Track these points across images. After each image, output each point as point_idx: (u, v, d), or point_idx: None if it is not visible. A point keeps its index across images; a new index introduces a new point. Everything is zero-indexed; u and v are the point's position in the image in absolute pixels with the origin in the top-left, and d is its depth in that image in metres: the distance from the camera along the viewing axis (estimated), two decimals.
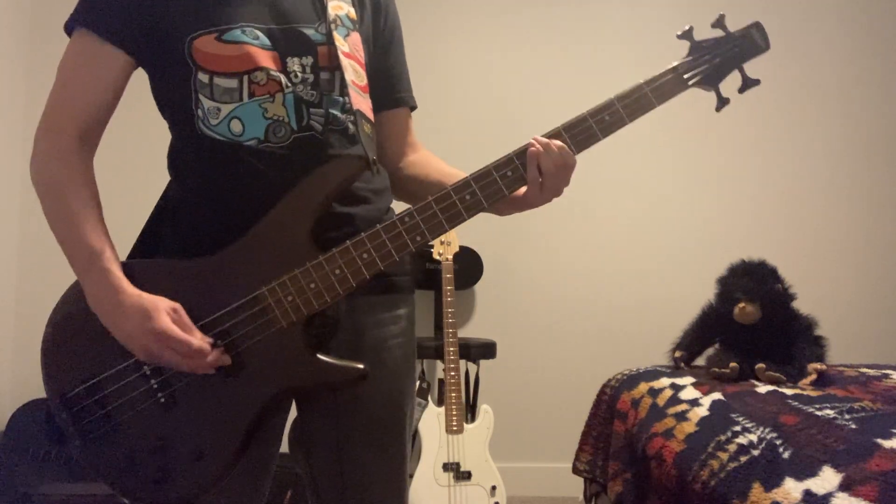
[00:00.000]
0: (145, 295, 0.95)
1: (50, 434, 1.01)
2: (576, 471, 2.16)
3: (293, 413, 1.14)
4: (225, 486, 1.01)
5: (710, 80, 1.06)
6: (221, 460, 0.98)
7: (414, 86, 1.24)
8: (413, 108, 1.24)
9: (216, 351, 0.95)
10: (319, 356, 0.99)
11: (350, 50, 1.08)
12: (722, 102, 1.08)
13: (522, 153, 1.01)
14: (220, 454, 0.98)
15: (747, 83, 1.07)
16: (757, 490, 1.17)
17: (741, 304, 1.91)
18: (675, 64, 1.05)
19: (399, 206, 1.06)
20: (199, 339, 0.94)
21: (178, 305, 0.96)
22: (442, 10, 3.28)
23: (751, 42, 1.06)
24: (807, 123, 3.27)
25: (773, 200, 3.25)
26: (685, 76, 1.05)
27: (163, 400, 0.98)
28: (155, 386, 0.98)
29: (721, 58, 1.06)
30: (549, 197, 1.04)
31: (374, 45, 1.16)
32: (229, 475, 0.99)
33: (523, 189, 1.03)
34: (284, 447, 1.15)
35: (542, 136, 1.02)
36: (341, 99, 1.06)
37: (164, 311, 0.93)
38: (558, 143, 1.01)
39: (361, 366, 0.99)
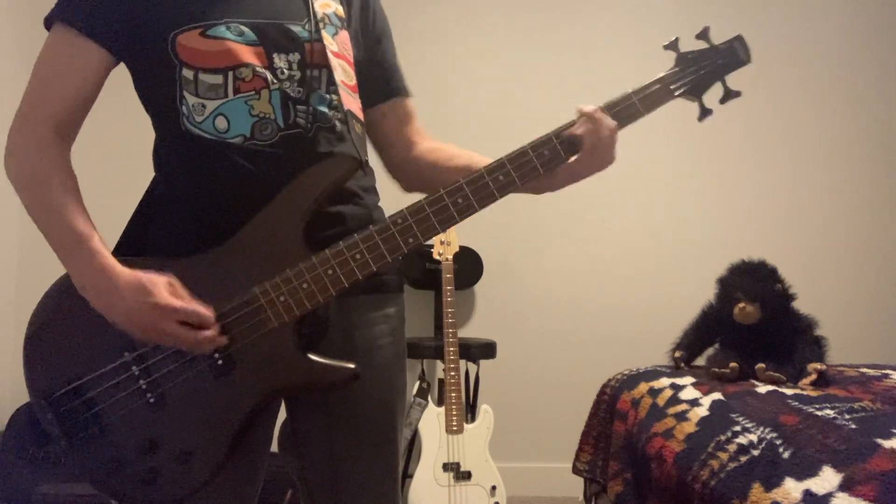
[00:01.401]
0: (139, 271, 0.93)
1: (35, 435, 1.00)
2: (576, 471, 2.16)
3: (282, 414, 1.13)
4: (214, 486, 1.00)
5: (694, 91, 1.07)
6: (210, 461, 0.97)
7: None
8: (409, 95, 1.22)
9: (216, 326, 0.94)
10: (311, 356, 0.98)
11: (339, 49, 1.07)
12: (704, 113, 1.09)
13: (515, 158, 1.01)
14: (208, 455, 0.97)
15: (729, 94, 1.09)
16: (757, 490, 1.17)
17: (741, 304, 1.91)
18: (661, 74, 1.07)
19: (406, 200, 1.04)
20: (202, 308, 0.93)
21: (173, 279, 0.94)
22: (435, 14, 3.27)
23: (733, 55, 1.07)
24: (806, 124, 3.27)
25: (773, 201, 3.25)
26: (672, 87, 1.06)
27: (152, 400, 0.97)
28: (143, 386, 0.97)
29: (705, 70, 1.07)
30: (602, 165, 1.02)
31: (364, 41, 1.15)
32: (218, 475, 0.98)
33: (573, 158, 1.02)
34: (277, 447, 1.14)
35: (533, 141, 1.01)
36: (328, 96, 1.05)
37: (161, 284, 0.92)
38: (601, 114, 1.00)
39: (353, 366, 0.98)
